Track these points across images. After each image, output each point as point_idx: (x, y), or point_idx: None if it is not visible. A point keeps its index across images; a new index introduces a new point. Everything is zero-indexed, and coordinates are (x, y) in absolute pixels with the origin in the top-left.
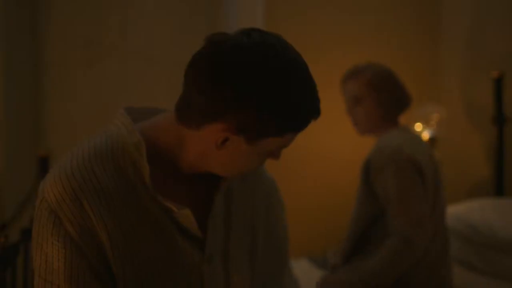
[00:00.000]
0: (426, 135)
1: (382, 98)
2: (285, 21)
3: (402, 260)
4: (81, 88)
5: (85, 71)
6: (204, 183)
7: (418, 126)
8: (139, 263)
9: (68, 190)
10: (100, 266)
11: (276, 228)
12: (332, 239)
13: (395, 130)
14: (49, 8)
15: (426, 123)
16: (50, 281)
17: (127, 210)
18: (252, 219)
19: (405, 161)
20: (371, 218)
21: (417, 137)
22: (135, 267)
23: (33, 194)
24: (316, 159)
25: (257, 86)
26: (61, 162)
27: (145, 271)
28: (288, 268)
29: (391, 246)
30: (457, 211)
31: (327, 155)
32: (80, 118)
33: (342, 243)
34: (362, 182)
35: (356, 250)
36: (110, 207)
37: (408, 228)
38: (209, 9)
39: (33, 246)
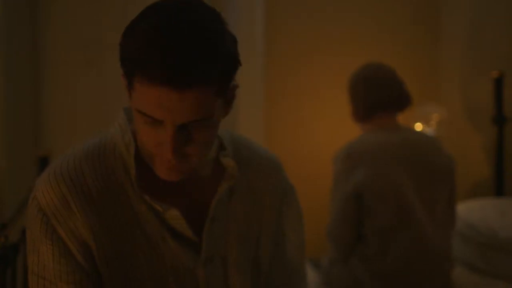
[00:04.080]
0: None
1: (351, 99)
2: (285, 21)
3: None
4: (81, 88)
5: (85, 71)
6: (204, 185)
7: (418, 126)
8: (125, 264)
9: (56, 190)
10: (88, 266)
11: (288, 241)
12: None
13: (373, 131)
14: (49, 7)
15: (426, 123)
16: (43, 277)
17: (115, 210)
18: (259, 225)
19: (341, 159)
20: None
21: (401, 138)
22: (121, 269)
23: None
24: (316, 160)
25: (128, 29)
26: (55, 163)
27: (133, 274)
28: (304, 285)
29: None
30: (457, 211)
31: (327, 155)
32: (80, 118)
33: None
34: None
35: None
36: (97, 208)
37: (329, 227)
38: None
39: (27, 242)
